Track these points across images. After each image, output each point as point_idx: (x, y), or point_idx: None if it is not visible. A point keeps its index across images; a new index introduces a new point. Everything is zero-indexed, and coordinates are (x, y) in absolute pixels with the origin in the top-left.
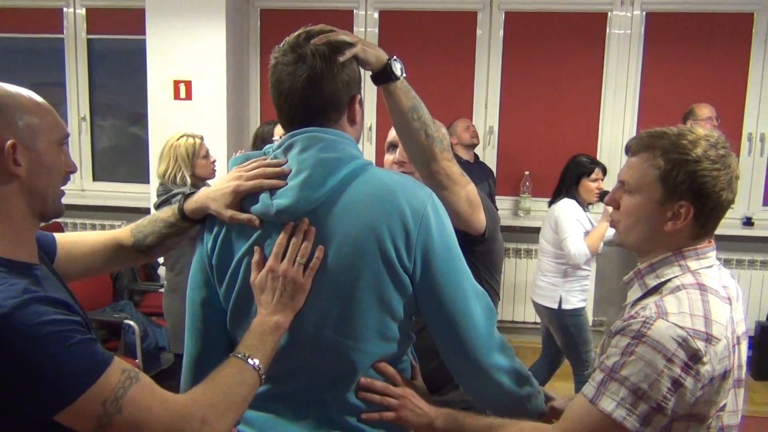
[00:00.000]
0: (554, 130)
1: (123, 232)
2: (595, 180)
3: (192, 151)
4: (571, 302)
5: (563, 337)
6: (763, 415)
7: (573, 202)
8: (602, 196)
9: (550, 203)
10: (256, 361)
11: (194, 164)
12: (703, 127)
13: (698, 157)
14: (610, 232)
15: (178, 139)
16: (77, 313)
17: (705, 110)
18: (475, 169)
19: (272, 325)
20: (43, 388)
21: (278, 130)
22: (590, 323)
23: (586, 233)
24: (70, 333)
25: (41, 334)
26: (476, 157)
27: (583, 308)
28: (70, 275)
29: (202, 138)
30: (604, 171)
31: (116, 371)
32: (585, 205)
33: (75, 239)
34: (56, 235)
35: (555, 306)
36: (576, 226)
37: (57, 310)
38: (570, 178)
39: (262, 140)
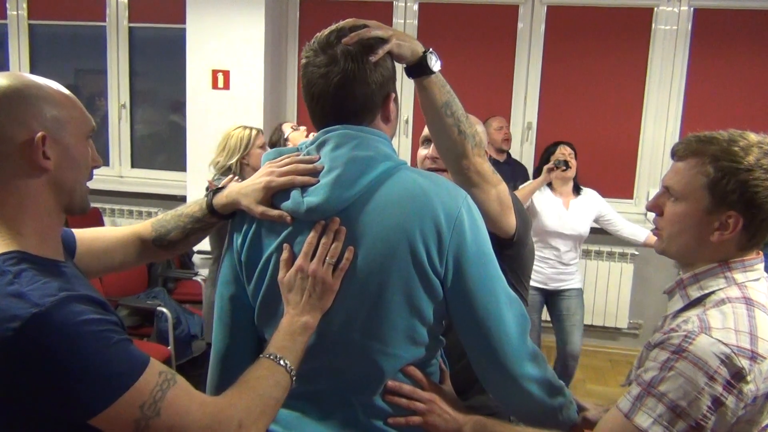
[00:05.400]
0: (594, 128)
1: (143, 227)
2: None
3: (247, 142)
4: None
5: None
6: None
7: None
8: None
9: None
10: (288, 363)
11: (250, 153)
12: None
13: (751, 165)
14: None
15: (234, 130)
16: (112, 312)
17: None
18: (504, 169)
19: (301, 326)
20: (81, 390)
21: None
22: (626, 326)
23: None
24: (108, 333)
25: (80, 334)
26: (509, 156)
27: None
28: (90, 272)
29: (259, 131)
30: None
31: (154, 373)
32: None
33: (95, 235)
34: (75, 231)
35: None
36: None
37: (94, 309)
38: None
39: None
